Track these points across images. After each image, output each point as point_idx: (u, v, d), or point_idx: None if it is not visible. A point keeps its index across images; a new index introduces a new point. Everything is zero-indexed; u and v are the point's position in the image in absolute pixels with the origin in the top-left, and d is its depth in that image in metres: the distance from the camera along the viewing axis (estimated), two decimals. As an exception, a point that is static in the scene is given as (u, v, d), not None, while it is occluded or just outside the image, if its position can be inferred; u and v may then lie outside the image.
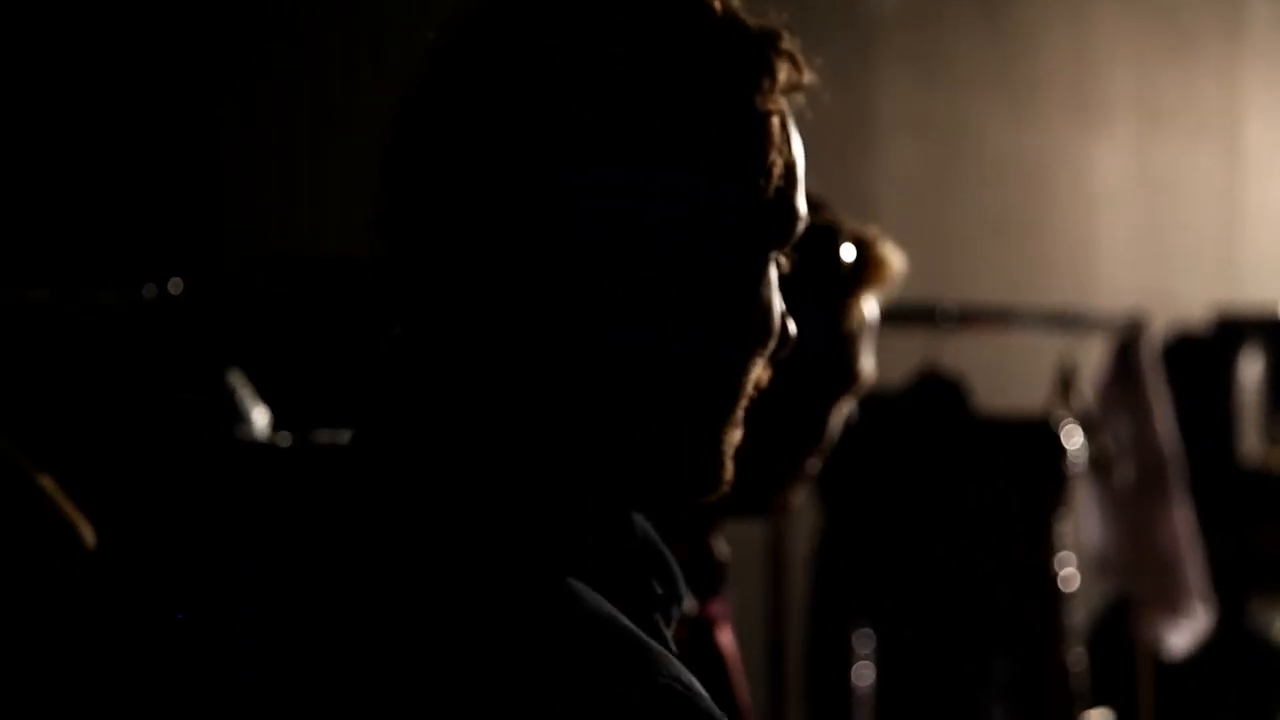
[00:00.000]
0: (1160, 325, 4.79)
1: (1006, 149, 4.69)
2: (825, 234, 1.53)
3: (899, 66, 4.27)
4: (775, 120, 0.93)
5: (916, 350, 3.42)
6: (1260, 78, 5.80)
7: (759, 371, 0.97)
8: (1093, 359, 4.02)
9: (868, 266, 1.56)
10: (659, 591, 0.97)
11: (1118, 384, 3.72)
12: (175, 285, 1.89)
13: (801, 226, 0.97)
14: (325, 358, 2.32)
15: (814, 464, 1.57)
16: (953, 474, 3.23)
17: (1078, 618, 3.43)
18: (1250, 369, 5.29)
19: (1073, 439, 3.28)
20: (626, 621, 0.89)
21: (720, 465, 0.96)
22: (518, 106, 0.90)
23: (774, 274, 0.97)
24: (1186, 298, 5.32)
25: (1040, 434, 3.27)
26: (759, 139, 0.93)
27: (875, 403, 3.31)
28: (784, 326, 0.97)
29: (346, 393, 2.32)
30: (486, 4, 0.94)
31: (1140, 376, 3.70)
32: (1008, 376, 4.12)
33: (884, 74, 4.20)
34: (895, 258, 1.60)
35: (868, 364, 1.59)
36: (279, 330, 2.24)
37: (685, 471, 0.96)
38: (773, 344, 0.97)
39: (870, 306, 1.59)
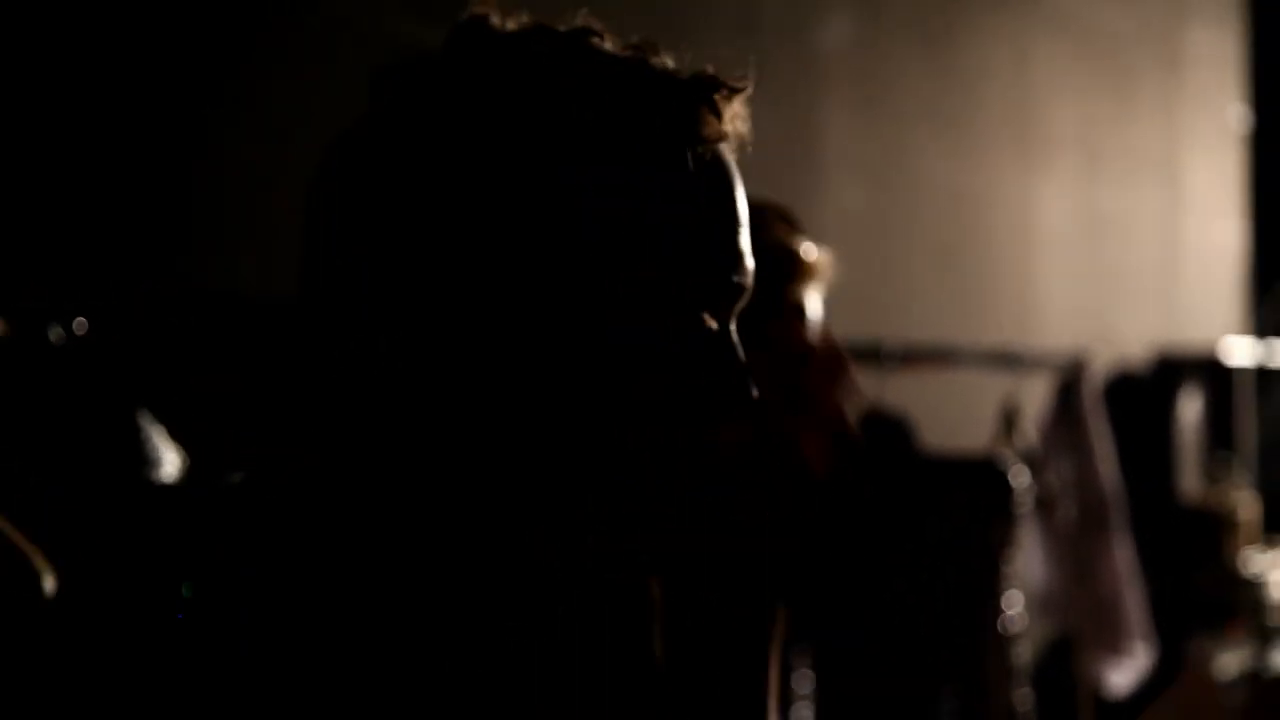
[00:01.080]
0: (1101, 364, 4.81)
1: (949, 186, 4.70)
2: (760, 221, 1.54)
3: (843, 103, 4.27)
4: (698, 171, 0.91)
5: (864, 388, 3.41)
6: (1199, 117, 5.85)
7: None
8: (1035, 397, 4.02)
9: (794, 261, 1.58)
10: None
11: (1060, 423, 3.72)
12: (80, 325, 1.85)
13: (742, 280, 0.93)
14: (239, 396, 2.29)
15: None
16: (898, 512, 3.22)
17: (1023, 657, 3.42)
18: (1190, 408, 5.32)
19: (1019, 478, 3.28)
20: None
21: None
22: (508, 111, 0.89)
23: (723, 328, 0.93)
24: (1127, 336, 5.35)
25: (986, 473, 3.27)
26: (686, 184, 0.90)
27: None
28: (740, 390, 0.93)
29: (261, 433, 2.28)
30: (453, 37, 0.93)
31: (1082, 415, 3.70)
32: (951, 414, 4.12)
33: (828, 111, 4.20)
34: (817, 251, 1.63)
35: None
36: (191, 369, 2.20)
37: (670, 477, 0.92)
38: (723, 402, 0.93)
39: (813, 302, 1.61)
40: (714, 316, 0.93)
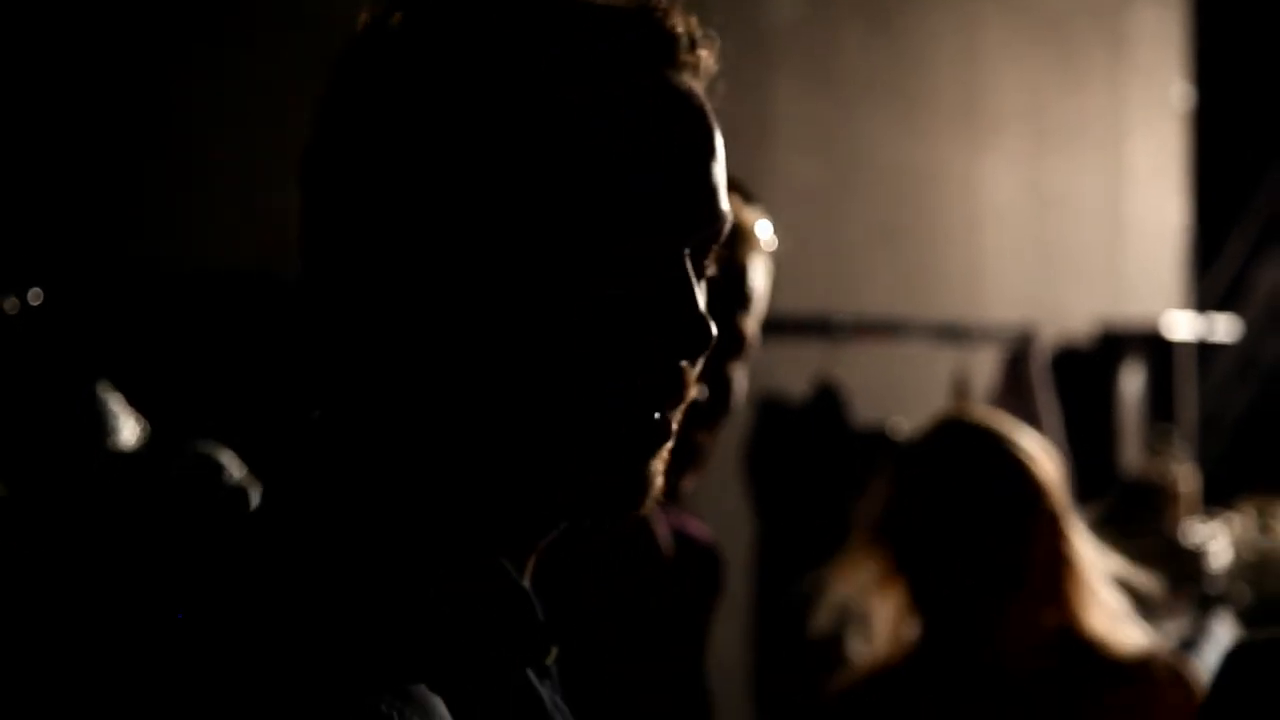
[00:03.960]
0: (1046, 338, 4.86)
1: (898, 161, 4.73)
2: None
3: (793, 78, 4.29)
4: (676, 101, 0.92)
5: (813, 361, 3.44)
6: (1142, 94, 5.91)
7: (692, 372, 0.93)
8: (983, 371, 4.07)
9: (741, 234, 1.58)
10: (520, 642, 0.93)
11: (1009, 396, 3.77)
12: (35, 296, 1.85)
13: (719, 217, 0.93)
14: (199, 366, 2.29)
15: (711, 438, 1.57)
16: (830, 486, 3.27)
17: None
18: (1132, 381, 5.39)
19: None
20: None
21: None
22: (485, 55, 0.90)
23: (685, 267, 0.93)
24: (1072, 311, 5.40)
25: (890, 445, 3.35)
26: (658, 118, 0.91)
27: (778, 412, 3.34)
28: (697, 326, 0.92)
29: (223, 402, 2.29)
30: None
31: (1030, 388, 3.75)
32: (900, 388, 4.16)
33: (778, 86, 4.22)
34: (766, 224, 1.62)
35: (753, 328, 1.61)
36: (151, 338, 2.20)
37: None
38: (694, 343, 0.92)
39: (758, 277, 1.61)
40: (688, 254, 0.93)
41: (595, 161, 0.89)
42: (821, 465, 3.24)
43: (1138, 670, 2.13)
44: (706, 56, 0.94)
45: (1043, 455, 2.20)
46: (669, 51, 0.92)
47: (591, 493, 0.92)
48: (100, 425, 1.74)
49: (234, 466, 1.69)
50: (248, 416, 2.31)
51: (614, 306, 0.89)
